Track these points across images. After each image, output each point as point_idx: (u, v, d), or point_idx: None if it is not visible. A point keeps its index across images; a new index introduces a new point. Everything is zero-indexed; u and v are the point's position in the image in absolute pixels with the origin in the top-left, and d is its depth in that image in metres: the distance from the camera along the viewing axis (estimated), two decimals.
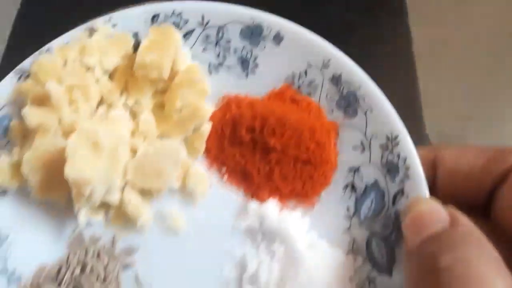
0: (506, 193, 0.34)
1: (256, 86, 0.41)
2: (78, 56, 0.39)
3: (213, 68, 0.41)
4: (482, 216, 0.35)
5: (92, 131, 0.35)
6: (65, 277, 0.36)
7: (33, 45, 0.40)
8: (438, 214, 0.31)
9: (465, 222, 0.31)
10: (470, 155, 0.36)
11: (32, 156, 0.35)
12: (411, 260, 0.32)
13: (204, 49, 0.41)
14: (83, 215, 0.37)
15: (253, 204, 0.39)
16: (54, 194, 0.37)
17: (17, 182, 0.37)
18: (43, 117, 0.36)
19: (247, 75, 0.41)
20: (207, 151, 0.41)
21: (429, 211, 0.32)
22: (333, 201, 0.38)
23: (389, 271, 0.35)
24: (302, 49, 0.39)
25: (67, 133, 0.36)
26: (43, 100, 0.36)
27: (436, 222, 0.31)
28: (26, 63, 0.39)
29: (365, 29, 0.71)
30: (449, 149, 0.37)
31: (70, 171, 0.33)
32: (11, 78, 0.39)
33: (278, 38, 0.40)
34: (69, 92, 0.36)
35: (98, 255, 0.37)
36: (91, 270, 0.36)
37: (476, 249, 0.29)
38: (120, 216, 0.38)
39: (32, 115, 0.35)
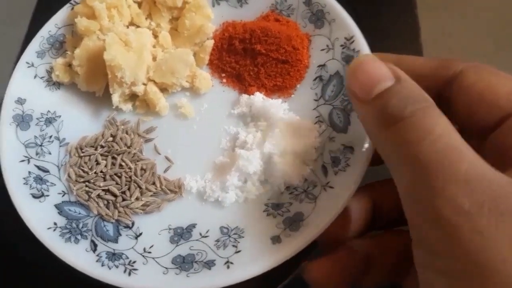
0: (458, 95, 0.37)
1: (248, 13, 0.53)
2: None
3: (215, 1, 0.54)
4: None
5: (124, 33, 0.48)
6: (101, 143, 0.48)
7: None
8: (383, 73, 0.34)
9: (407, 77, 0.34)
10: (422, 60, 0.41)
11: (80, 52, 0.48)
12: (365, 113, 0.35)
13: None
14: (116, 97, 0.48)
15: (244, 96, 0.50)
16: (94, 86, 0.50)
17: (68, 77, 0.50)
18: (89, 22, 0.49)
19: (241, 6, 0.54)
20: (210, 62, 0.53)
21: (374, 69, 0.34)
22: (305, 90, 0.49)
23: (345, 130, 0.45)
24: None
25: None
26: (89, 16, 0.50)
27: (382, 81, 0.33)
28: None
29: (372, 20, 0.75)
30: (411, 56, 0.42)
31: (108, 56, 0.46)
32: (67, 7, 0.52)
33: None
34: (108, 10, 0.50)
35: (126, 132, 0.49)
36: (121, 139, 0.48)
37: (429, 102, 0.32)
38: (143, 104, 0.51)
39: (81, 22, 0.49)
